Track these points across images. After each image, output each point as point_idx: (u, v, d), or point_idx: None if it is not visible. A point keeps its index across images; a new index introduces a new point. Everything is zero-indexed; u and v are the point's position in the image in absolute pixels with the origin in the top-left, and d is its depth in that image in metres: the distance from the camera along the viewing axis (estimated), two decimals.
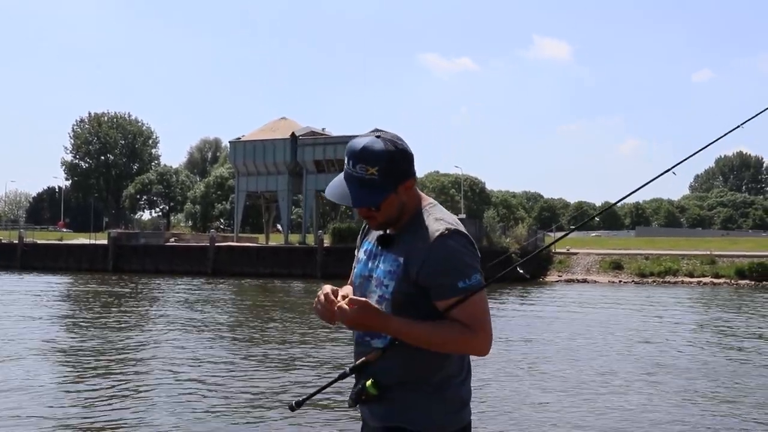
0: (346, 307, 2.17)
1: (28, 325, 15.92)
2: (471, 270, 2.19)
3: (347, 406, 2.30)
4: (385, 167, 2.20)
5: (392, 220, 2.31)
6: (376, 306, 2.20)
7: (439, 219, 2.26)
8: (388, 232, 2.34)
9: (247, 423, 7.48)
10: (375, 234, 2.40)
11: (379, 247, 2.35)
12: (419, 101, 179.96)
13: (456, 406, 2.28)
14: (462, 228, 2.26)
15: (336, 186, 2.28)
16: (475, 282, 2.18)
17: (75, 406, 8.17)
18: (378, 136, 2.23)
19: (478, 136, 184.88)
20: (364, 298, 2.22)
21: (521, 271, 2.32)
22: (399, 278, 2.24)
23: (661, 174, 2.37)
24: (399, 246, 2.28)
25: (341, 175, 2.29)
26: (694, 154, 2.43)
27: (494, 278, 2.30)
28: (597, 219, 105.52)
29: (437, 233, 2.21)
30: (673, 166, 2.35)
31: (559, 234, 64.82)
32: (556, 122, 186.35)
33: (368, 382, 2.23)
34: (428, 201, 2.36)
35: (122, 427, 7.19)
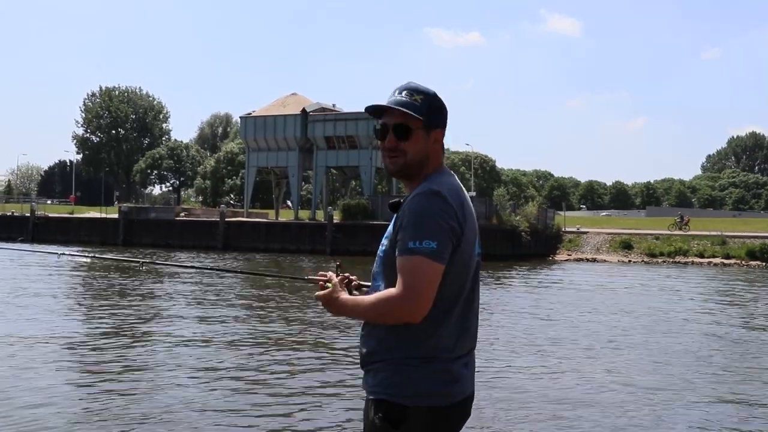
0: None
1: (36, 298, 16.04)
2: (428, 233, 2.16)
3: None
4: (427, 100, 2.34)
5: (413, 166, 2.33)
6: (330, 295, 2.35)
7: (431, 181, 2.28)
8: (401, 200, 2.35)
9: (256, 404, 7.51)
10: None
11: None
12: (427, 76, 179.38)
13: (441, 380, 2.23)
14: (449, 194, 2.23)
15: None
16: (426, 248, 2.14)
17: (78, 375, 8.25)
18: None
19: (486, 112, 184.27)
20: (323, 294, 2.37)
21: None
22: (390, 238, 2.29)
23: None
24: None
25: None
26: None
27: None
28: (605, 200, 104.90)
29: (416, 192, 2.25)
30: None
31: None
32: (563, 97, 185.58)
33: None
34: (445, 169, 2.38)
35: (125, 398, 7.24)
